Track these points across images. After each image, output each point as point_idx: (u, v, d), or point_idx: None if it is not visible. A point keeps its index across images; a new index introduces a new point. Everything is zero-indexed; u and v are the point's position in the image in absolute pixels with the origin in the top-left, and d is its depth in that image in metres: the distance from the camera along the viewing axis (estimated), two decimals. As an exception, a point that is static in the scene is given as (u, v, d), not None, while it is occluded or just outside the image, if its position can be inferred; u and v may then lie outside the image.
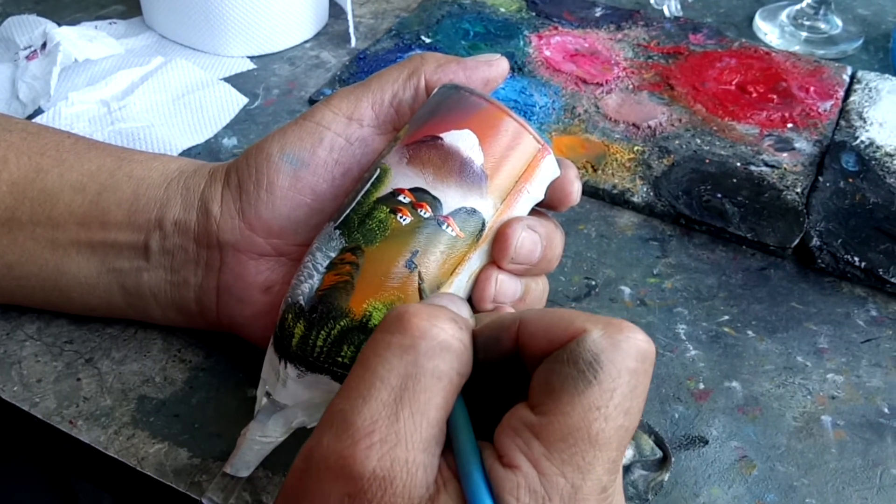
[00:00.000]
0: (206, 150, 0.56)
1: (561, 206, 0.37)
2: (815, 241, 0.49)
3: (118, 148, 0.42)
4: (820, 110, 0.61)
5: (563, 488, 0.23)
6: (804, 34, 0.71)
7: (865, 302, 0.48)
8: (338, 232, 0.34)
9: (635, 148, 0.57)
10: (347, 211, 0.34)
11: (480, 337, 0.27)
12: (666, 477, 0.37)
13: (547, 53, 0.66)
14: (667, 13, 0.72)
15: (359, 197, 0.34)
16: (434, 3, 0.72)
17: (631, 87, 0.63)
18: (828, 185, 0.54)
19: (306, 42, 0.68)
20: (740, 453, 0.40)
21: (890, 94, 0.62)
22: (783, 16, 0.72)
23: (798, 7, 0.72)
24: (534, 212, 0.36)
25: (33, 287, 0.41)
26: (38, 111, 0.57)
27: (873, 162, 0.56)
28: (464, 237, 0.33)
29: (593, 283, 0.48)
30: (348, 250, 0.33)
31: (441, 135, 0.34)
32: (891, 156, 0.57)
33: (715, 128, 0.59)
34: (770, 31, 0.71)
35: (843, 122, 0.60)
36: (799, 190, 0.54)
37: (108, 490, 0.42)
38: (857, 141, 0.58)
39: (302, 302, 0.33)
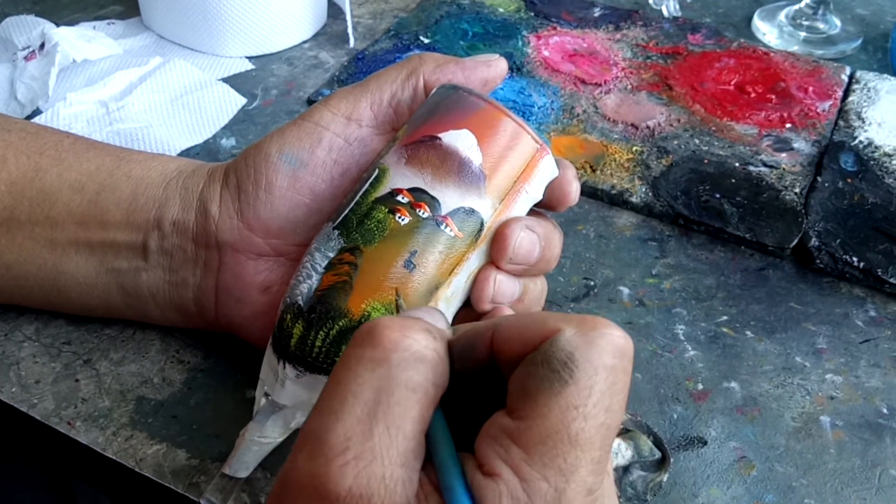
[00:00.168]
0: (204, 151, 0.56)
1: (559, 207, 0.37)
2: (814, 242, 0.49)
3: (117, 148, 0.42)
4: (818, 110, 0.61)
5: (546, 493, 0.22)
6: (803, 34, 0.71)
7: (864, 302, 0.48)
8: (336, 232, 0.34)
9: (634, 148, 0.57)
10: (346, 211, 0.34)
11: (455, 346, 0.26)
12: (665, 478, 0.37)
13: (545, 53, 0.66)
14: (665, 13, 0.72)
15: (357, 197, 0.34)
16: (432, 3, 0.72)
17: (629, 87, 0.63)
18: (826, 185, 0.54)
19: (305, 42, 0.68)
20: (739, 454, 0.40)
21: (889, 93, 0.62)
22: (782, 16, 0.72)
23: (797, 7, 0.72)
24: (532, 212, 0.36)
25: (32, 287, 0.41)
26: (37, 112, 0.57)
27: (872, 162, 0.56)
28: (462, 237, 0.33)
29: (592, 283, 0.48)
30: (347, 250, 0.33)
31: (439, 135, 0.34)
32: (889, 156, 0.57)
33: (713, 128, 0.59)
34: (769, 31, 0.71)
35: (841, 122, 0.60)
36: (797, 190, 0.54)
37: (107, 491, 0.42)
38: (856, 141, 0.58)
39: (301, 302, 0.33)
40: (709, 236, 0.51)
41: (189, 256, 0.38)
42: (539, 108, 0.60)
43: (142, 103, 0.58)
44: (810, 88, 0.63)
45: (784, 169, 0.55)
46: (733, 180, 0.54)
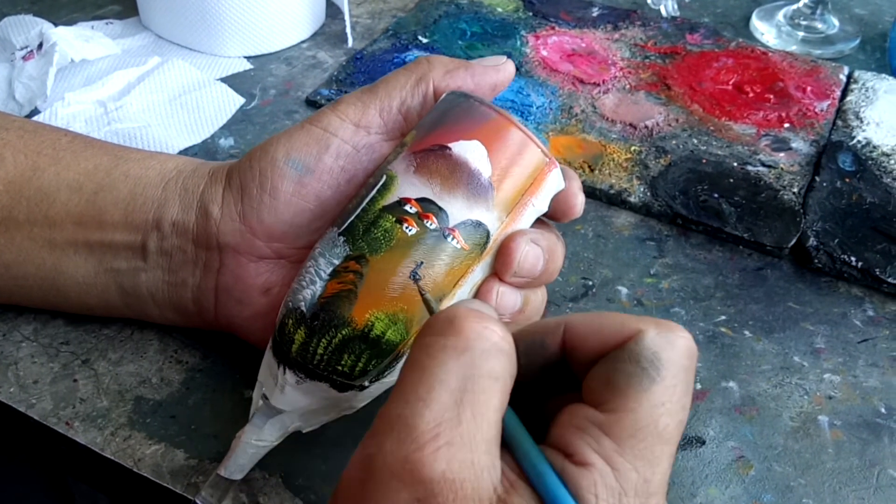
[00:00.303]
0: (202, 151, 0.56)
1: (564, 218, 0.37)
2: (812, 241, 0.49)
3: (115, 146, 0.42)
4: (817, 110, 0.61)
5: (636, 482, 0.24)
6: (801, 34, 0.71)
7: (862, 302, 0.48)
8: (342, 239, 0.34)
9: (632, 148, 0.57)
10: (352, 217, 0.34)
11: (522, 341, 0.27)
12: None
13: (544, 53, 0.66)
14: (664, 13, 0.72)
15: (364, 203, 0.34)
16: (431, 3, 0.72)
17: (628, 86, 0.63)
18: (824, 184, 0.54)
19: (303, 42, 0.67)
20: (737, 453, 0.40)
21: (887, 93, 0.63)
22: (780, 15, 0.73)
23: (795, 7, 0.72)
24: (536, 223, 0.36)
25: (31, 286, 0.41)
26: (35, 111, 0.57)
27: (870, 162, 0.56)
28: (468, 249, 0.33)
29: (590, 283, 0.48)
30: (352, 258, 0.33)
31: (450, 145, 0.34)
32: (887, 155, 0.57)
33: (712, 128, 0.59)
34: (767, 31, 0.71)
35: (839, 122, 0.60)
36: (796, 190, 0.54)
37: (105, 491, 0.42)
38: (854, 141, 0.58)
39: (303, 308, 0.33)
40: (707, 236, 0.51)
41: (189, 257, 0.38)
42: (537, 108, 0.60)
43: (140, 103, 0.58)
44: (808, 88, 0.63)
45: (782, 169, 0.55)
46: (731, 180, 0.54)
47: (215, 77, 0.62)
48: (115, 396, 0.40)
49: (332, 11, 0.70)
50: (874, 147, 0.58)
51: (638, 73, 0.64)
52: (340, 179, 0.37)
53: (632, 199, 0.53)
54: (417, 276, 0.32)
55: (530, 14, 0.71)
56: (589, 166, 0.55)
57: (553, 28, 0.69)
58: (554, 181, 0.35)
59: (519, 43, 0.67)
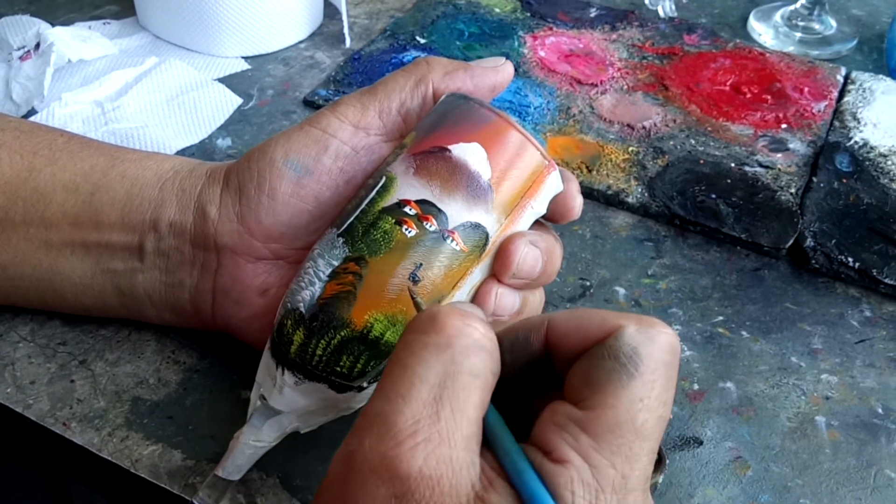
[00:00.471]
0: (200, 151, 0.56)
1: (562, 220, 0.37)
2: (809, 242, 0.50)
3: (111, 146, 0.42)
4: (814, 111, 0.61)
5: (613, 479, 0.24)
6: (798, 35, 0.71)
7: (859, 302, 0.48)
8: (341, 240, 0.34)
9: (630, 148, 0.57)
10: (351, 219, 0.34)
11: (506, 338, 0.28)
12: (660, 479, 0.37)
13: (542, 54, 0.66)
14: (661, 14, 0.72)
15: (363, 205, 0.34)
16: (429, 3, 0.72)
17: (625, 87, 0.63)
18: (822, 185, 0.54)
19: (301, 42, 0.67)
20: (735, 454, 0.40)
21: (884, 94, 0.63)
22: (777, 16, 0.73)
23: (792, 8, 0.72)
24: (534, 224, 0.36)
25: (27, 287, 0.41)
26: (32, 112, 0.57)
27: (867, 162, 0.56)
28: (467, 251, 0.33)
29: (588, 283, 0.48)
30: (352, 260, 0.33)
31: (449, 147, 0.34)
32: (885, 156, 0.57)
33: (709, 128, 0.59)
34: (764, 32, 0.71)
35: (837, 123, 0.60)
36: (793, 190, 0.54)
37: (103, 492, 0.42)
38: (851, 141, 0.58)
39: (302, 309, 0.33)
40: (704, 237, 0.51)
41: (186, 258, 0.38)
42: (535, 109, 0.60)
43: (137, 103, 0.58)
44: (806, 89, 0.63)
45: (780, 169, 0.55)
46: (729, 181, 0.54)
47: (213, 77, 0.62)
48: (112, 397, 0.40)
49: (330, 12, 0.70)
50: (871, 148, 0.58)
51: (635, 74, 0.64)
52: (339, 181, 0.37)
53: (629, 200, 0.53)
54: (416, 278, 0.32)
55: (528, 14, 0.71)
56: (587, 167, 0.55)
57: (551, 29, 0.69)
58: (553, 184, 0.35)
59: (517, 43, 0.67)
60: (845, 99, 0.62)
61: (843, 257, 0.49)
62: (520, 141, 0.34)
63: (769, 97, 0.62)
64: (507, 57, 0.65)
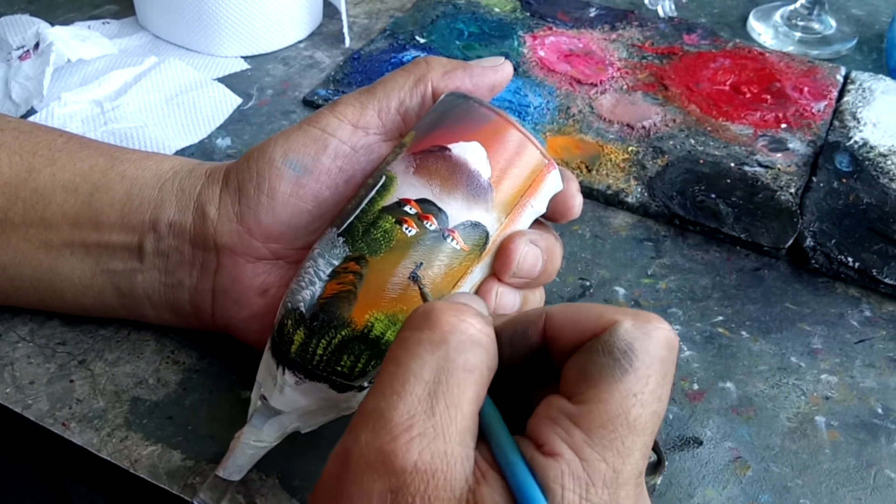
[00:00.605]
0: (199, 151, 0.56)
1: (561, 219, 0.37)
2: (809, 242, 0.50)
3: (111, 146, 0.42)
4: (814, 111, 0.61)
5: (604, 473, 0.24)
6: (798, 34, 0.71)
7: (859, 302, 0.48)
8: (341, 239, 0.34)
9: (629, 148, 0.57)
10: (351, 218, 0.34)
11: (505, 332, 0.28)
12: (658, 481, 0.37)
13: (541, 54, 0.66)
14: (661, 13, 0.72)
15: (363, 204, 0.34)
16: (428, 3, 0.72)
17: (625, 87, 0.63)
18: (821, 185, 0.54)
19: (300, 42, 0.67)
20: (734, 454, 0.40)
21: (884, 94, 0.63)
22: (777, 16, 0.73)
23: (792, 7, 0.72)
24: (534, 224, 0.36)
25: (27, 288, 0.40)
26: (31, 111, 0.57)
27: (867, 162, 0.56)
28: (468, 250, 0.33)
29: (588, 283, 0.48)
30: (352, 259, 0.33)
31: (449, 146, 0.34)
32: (884, 156, 0.57)
33: (709, 128, 0.59)
34: (764, 32, 0.71)
35: (836, 123, 0.60)
36: (793, 190, 0.54)
37: (102, 492, 0.42)
38: (851, 141, 0.58)
39: (303, 309, 0.33)
40: (704, 236, 0.51)
41: (185, 258, 0.38)
42: (535, 109, 0.60)
43: (137, 103, 0.58)
44: (805, 89, 0.63)
45: (779, 169, 0.55)
46: (729, 180, 0.54)
47: (212, 77, 0.62)
48: (111, 397, 0.40)
49: (330, 11, 0.70)
50: (871, 147, 0.58)
51: (635, 74, 0.64)
52: (338, 180, 0.37)
53: (629, 200, 0.53)
54: (417, 277, 0.32)
55: (528, 14, 0.71)
56: (586, 167, 0.55)
57: (550, 28, 0.69)
58: (552, 182, 0.35)
59: (516, 43, 0.67)
60: (845, 99, 0.62)
61: (842, 257, 0.49)
62: (519, 140, 0.34)
63: (769, 97, 0.62)
64: (507, 56, 0.65)
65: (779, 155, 0.57)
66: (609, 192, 0.53)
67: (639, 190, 0.53)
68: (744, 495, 0.38)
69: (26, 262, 0.39)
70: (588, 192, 0.54)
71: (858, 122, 0.60)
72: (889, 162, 0.56)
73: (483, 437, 0.26)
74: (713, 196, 0.53)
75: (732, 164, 0.56)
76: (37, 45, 0.60)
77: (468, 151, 0.34)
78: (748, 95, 0.62)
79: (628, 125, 0.59)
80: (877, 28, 0.74)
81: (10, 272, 0.40)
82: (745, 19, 0.73)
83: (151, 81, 0.60)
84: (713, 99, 0.62)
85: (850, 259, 0.48)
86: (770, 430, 0.41)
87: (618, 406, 0.24)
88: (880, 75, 0.65)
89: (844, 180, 0.54)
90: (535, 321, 0.28)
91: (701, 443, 0.40)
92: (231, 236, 0.37)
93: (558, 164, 0.36)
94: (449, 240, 0.33)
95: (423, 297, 0.31)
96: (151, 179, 0.39)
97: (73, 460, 0.39)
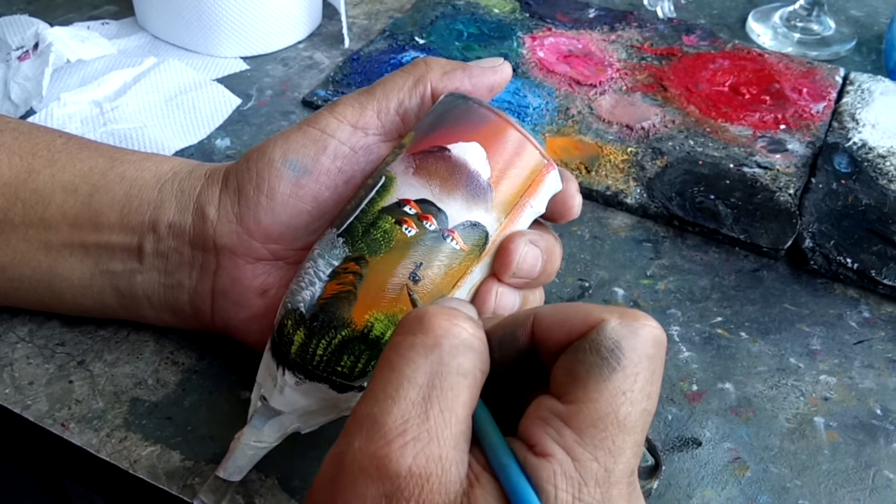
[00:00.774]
0: (199, 151, 0.56)
1: (561, 220, 0.37)
2: (808, 243, 0.50)
3: (110, 147, 0.42)
4: (812, 112, 0.61)
5: (596, 472, 0.24)
6: (797, 35, 0.71)
7: (858, 303, 0.48)
8: (341, 240, 0.34)
9: (629, 149, 0.57)
10: (351, 218, 0.34)
11: (495, 335, 0.28)
12: (655, 485, 0.37)
13: (540, 55, 0.66)
14: (660, 14, 0.72)
15: (363, 204, 0.34)
16: (428, 4, 0.72)
17: (624, 88, 0.63)
18: (820, 186, 0.54)
19: (299, 43, 0.67)
20: (733, 455, 0.40)
21: (882, 95, 0.63)
22: (776, 17, 0.73)
23: (791, 8, 0.73)
24: (534, 224, 0.36)
25: (26, 288, 0.40)
26: (30, 112, 0.57)
27: (866, 163, 0.56)
28: (467, 250, 0.33)
29: (587, 284, 0.48)
30: (352, 259, 0.33)
31: (449, 146, 0.34)
32: (883, 157, 0.57)
33: (708, 129, 0.59)
34: (763, 33, 0.71)
35: (835, 124, 0.60)
36: (792, 191, 0.54)
37: (101, 493, 0.42)
38: (850, 142, 0.58)
39: (302, 309, 0.33)
40: (703, 237, 0.51)
41: (185, 259, 0.38)
42: (534, 109, 0.60)
43: (136, 104, 0.58)
44: (804, 90, 0.63)
45: (778, 170, 0.55)
46: (728, 181, 0.54)
47: (212, 78, 0.62)
48: (110, 398, 0.40)
49: (329, 12, 0.70)
50: (870, 149, 0.58)
51: (634, 75, 0.64)
52: (338, 181, 0.37)
53: (628, 201, 0.53)
54: (416, 277, 0.32)
55: (527, 15, 0.71)
56: (585, 167, 0.55)
57: (549, 29, 0.69)
58: (552, 183, 0.35)
59: (515, 44, 0.67)
60: (844, 100, 0.62)
61: (841, 258, 0.49)
62: (519, 140, 0.34)
63: (768, 98, 0.62)
64: (506, 57, 0.65)
65: (778, 156, 0.57)
66: (608, 192, 0.53)
67: (638, 191, 0.53)
68: (743, 496, 0.38)
69: (26, 263, 0.39)
70: (587, 193, 0.54)
71: (857, 124, 0.60)
72: (888, 163, 0.57)
73: (476, 440, 0.26)
74: (712, 197, 0.53)
75: (731, 165, 0.56)
76: (36, 46, 0.60)
77: (468, 152, 0.34)
78: (747, 96, 0.62)
79: (627, 126, 0.59)
80: (876, 29, 0.74)
81: (10, 273, 0.40)
82: (744, 20, 0.73)
83: (151, 82, 0.60)
84: (712, 100, 0.62)
85: (848, 260, 0.49)
86: (769, 431, 0.41)
87: (607, 405, 0.24)
88: (879, 76, 0.65)
89: (843, 181, 0.55)
90: (523, 323, 0.28)
91: (700, 443, 0.40)
92: (230, 237, 0.37)
93: (557, 164, 0.36)
94: (448, 240, 0.33)
95: (413, 302, 0.31)
96: (151, 180, 0.39)
97: (73, 461, 0.39)
